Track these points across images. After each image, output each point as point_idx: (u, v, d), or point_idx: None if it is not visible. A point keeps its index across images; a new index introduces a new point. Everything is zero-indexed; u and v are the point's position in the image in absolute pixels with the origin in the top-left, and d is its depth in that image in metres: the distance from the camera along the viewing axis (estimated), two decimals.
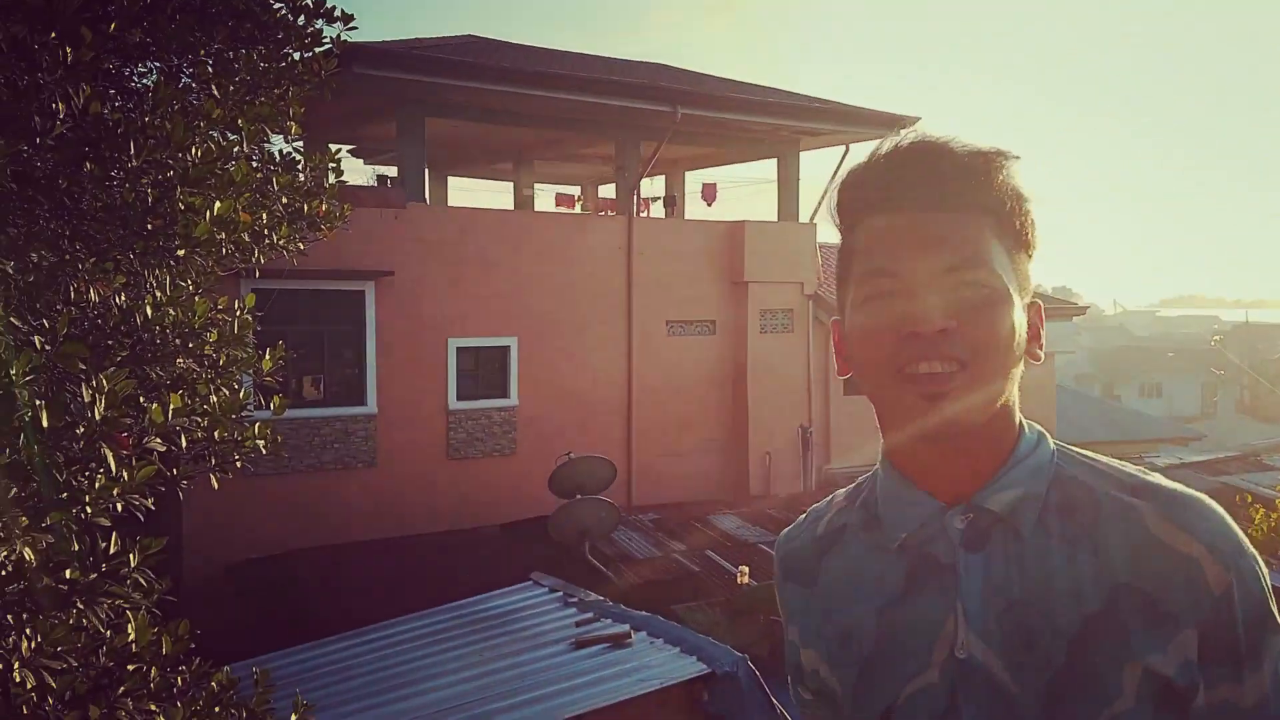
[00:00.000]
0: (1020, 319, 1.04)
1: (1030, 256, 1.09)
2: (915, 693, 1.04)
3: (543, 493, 12.01)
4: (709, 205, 17.85)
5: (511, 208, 18.42)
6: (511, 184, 19.43)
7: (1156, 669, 0.97)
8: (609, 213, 16.38)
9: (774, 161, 17.14)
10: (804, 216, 16.85)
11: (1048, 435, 1.11)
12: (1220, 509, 1.02)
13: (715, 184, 17.92)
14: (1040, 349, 1.08)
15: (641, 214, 16.22)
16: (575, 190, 20.63)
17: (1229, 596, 0.98)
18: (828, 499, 1.22)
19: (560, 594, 7.60)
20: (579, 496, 11.66)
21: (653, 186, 18.99)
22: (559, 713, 5.42)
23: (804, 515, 1.23)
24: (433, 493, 13.00)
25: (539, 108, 14.03)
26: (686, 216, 18.01)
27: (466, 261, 13.41)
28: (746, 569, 10.50)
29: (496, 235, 13.79)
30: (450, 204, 18.03)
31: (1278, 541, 9.28)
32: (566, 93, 13.57)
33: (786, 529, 1.25)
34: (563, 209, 18.48)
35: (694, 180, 19.10)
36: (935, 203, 1.03)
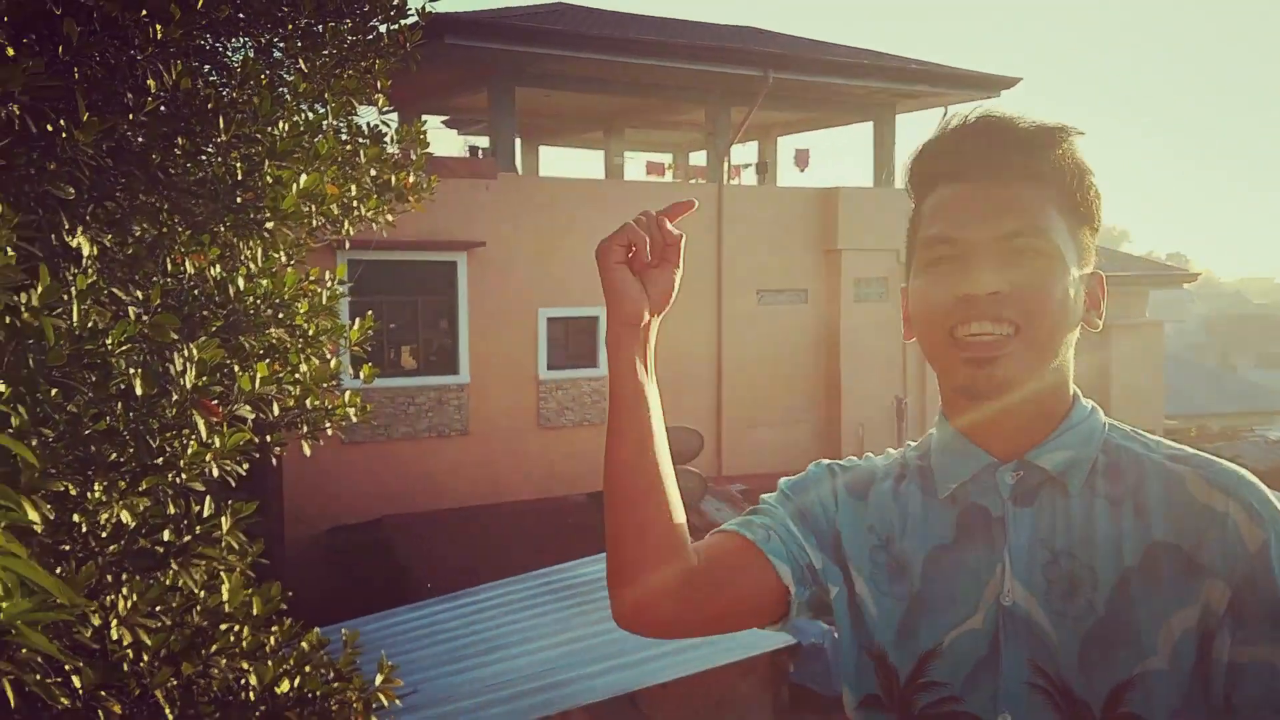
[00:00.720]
0: (1076, 287, 1.08)
1: (1093, 229, 1.12)
2: (959, 636, 1.08)
3: None
4: (801, 171, 17.57)
5: (602, 176, 18.45)
6: (602, 152, 19.45)
7: (1188, 625, 0.99)
8: (699, 180, 16.26)
9: (869, 125, 16.75)
10: (900, 182, 16.44)
11: (1100, 409, 1.15)
12: (1260, 483, 1.03)
13: (808, 149, 17.63)
14: (1099, 319, 1.12)
15: (732, 181, 16.05)
16: (666, 158, 20.53)
17: (1265, 555, 0.98)
18: (885, 453, 1.29)
19: None
20: None
21: (744, 153, 18.80)
22: (643, 681, 5.47)
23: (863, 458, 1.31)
24: (523, 461, 13.18)
25: (629, 74, 13.97)
26: (779, 183, 17.77)
27: (557, 231, 13.47)
28: None
29: (586, 205, 13.81)
30: (541, 174, 18.14)
31: None
32: (657, 59, 13.46)
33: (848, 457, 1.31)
34: (653, 177, 18.41)
35: (786, 146, 18.82)
36: (997, 173, 1.08)
